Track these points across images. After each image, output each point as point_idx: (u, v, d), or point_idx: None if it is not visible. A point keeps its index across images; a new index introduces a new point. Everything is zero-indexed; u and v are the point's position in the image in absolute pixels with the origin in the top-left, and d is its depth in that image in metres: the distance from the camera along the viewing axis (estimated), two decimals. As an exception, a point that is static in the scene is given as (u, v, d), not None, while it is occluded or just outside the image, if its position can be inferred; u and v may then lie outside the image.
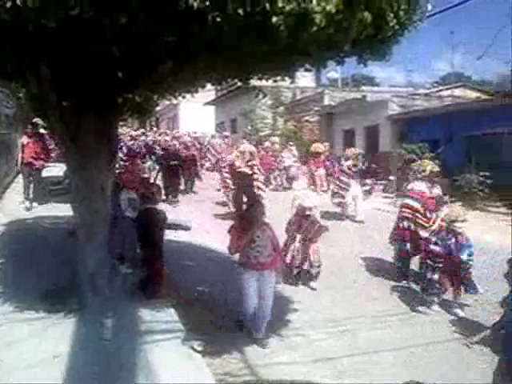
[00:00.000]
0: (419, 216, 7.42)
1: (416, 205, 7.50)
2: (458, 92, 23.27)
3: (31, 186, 10.67)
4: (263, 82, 5.39)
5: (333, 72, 27.58)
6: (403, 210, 7.64)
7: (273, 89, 21.45)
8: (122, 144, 16.43)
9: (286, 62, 4.47)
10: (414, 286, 7.26)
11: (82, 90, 4.92)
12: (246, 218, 5.49)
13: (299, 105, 25.17)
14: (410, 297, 6.85)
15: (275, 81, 5.23)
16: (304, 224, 7.08)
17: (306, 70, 5.06)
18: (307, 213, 7.03)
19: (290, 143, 17.77)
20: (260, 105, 24.53)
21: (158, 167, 14.08)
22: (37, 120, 10.07)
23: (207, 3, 3.32)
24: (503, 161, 13.88)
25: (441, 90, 24.17)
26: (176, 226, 6.54)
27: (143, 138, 19.85)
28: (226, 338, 5.29)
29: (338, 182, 11.99)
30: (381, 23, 3.90)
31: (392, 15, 3.91)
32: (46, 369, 4.16)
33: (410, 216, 7.48)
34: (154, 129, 28.87)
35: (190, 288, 6.66)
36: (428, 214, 7.39)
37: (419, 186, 7.74)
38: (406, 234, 7.52)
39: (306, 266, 7.06)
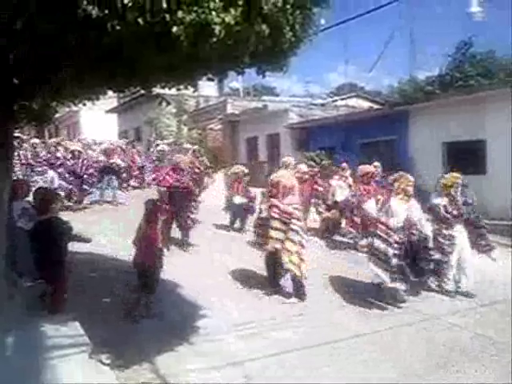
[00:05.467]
0: None
1: None
2: (352, 102, 24.71)
3: None
4: (166, 90, 5.42)
5: (234, 82, 28.11)
6: None
7: (176, 97, 21.43)
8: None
9: (187, 71, 4.54)
10: None
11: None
12: None
13: (203, 113, 25.36)
14: None
15: (178, 89, 5.28)
16: None
17: (209, 79, 5.16)
18: None
19: (344, 165, 11.77)
20: (164, 113, 24.40)
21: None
22: None
23: (106, 11, 3.32)
24: (396, 165, 14.94)
25: (336, 101, 25.52)
26: (76, 238, 6.27)
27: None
28: (136, 349, 5.21)
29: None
30: (278, 36, 4.09)
31: (288, 28, 4.12)
32: None
33: None
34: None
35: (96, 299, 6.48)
36: None
37: None
38: None
39: None
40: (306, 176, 10.89)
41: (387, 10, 8.62)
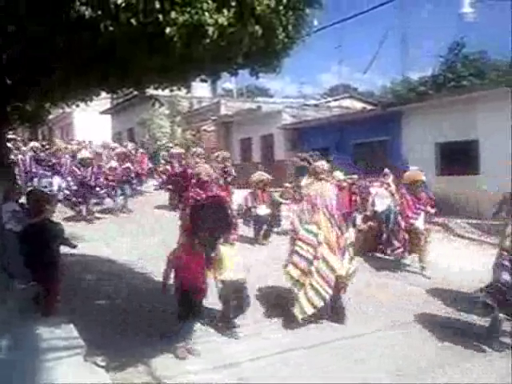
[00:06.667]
0: None
1: None
2: (345, 103, 24.76)
3: None
4: (160, 92, 5.41)
5: (228, 83, 28.12)
6: None
7: (170, 98, 21.36)
8: None
9: (181, 72, 4.54)
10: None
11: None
12: None
13: (196, 114, 25.31)
14: None
15: (172, 90, 5.27)
16: None
17: (202, 80, 5.17)
18: None
19: (386, 171, 10.79)
20: (157, 114, 24.33)
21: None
22: None
23: (99, 12, 3.31)
24: (388, 164, 14.99)
25: (329, 101, 25.56)
26: (64, 242, 6.20)
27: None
28: (130, 351, 5.18)
29: None
30: (271, 37, 4.12)
31: (281, 29, 4.14)
32: None
33: None
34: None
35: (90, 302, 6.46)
36: None
37: None
38: None
39: None
40: (344, 184, 9.58)
41: (380, 10, 8.66)
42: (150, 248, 9.03)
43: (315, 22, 4.84)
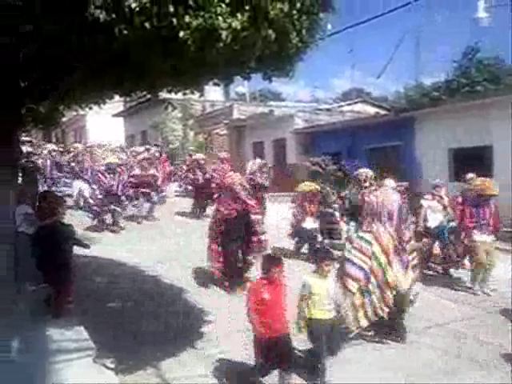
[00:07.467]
0: None
1: None
2: (358, 107, 24.67)
3: None
4: (172, 95, 5.43)
5: (240, 87, 28.15)
6: None
7: (182, 101, 21.46)
8: None
9: (194, 76, 4.54)
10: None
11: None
12: None
13: (209, 118, 25.40)
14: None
15: (185, 94, 5.29)
16: None
17: (215, 84, 5.16)
18: None
19: (437, 182, 9.51)
20: (170, 117, 24.47)
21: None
22: None
23: (114, 16, 3.33)
24: (401, 169, 14.90)
25: (342, 106, 25.48)
26: (77, 243, 6.22)
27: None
28: (140, 354, 5.19)
29: None
30: (284, 41, 4.10)
31: (295, 33, 4.13)
32: None
33: None
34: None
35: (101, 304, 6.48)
36: None
37: None
38: None
39: None
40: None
41: (393, 14, 8.59)
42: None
43: (329, 26, 4.82)
